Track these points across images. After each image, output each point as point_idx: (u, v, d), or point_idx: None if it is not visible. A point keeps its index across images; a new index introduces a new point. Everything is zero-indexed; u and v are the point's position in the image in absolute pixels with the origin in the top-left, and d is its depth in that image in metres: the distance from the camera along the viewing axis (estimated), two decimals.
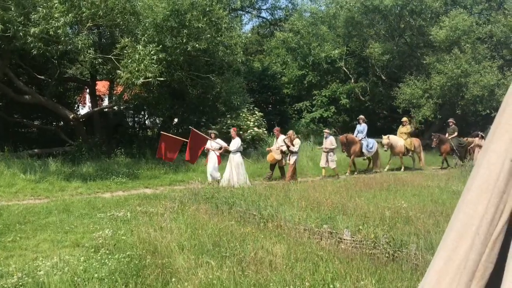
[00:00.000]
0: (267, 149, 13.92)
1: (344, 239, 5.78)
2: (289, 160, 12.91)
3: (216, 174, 12.02)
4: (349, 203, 8.06)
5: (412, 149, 16.18)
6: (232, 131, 12.58)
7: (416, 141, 16.53)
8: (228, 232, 6.14)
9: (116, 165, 14.46)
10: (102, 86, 23.11)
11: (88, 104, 24.21)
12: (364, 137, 15.30)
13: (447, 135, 16.71)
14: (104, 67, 14.93)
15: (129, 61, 12.98)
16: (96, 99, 20.27)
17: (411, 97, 21.04)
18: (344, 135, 15.24)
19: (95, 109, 18.37)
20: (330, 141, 13.87)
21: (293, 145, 12.83)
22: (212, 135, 12.43)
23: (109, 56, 13.66)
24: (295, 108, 26.07)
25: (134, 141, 18.67)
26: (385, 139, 15.76)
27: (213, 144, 12.30)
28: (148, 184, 12.31)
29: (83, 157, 15.28)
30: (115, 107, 19.65)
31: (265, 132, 19.01)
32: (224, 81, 17.56)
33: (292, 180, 12.34)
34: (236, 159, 12.02)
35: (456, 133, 16.67)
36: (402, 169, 15.73)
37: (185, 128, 19.17)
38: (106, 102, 23.03)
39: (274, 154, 13.12)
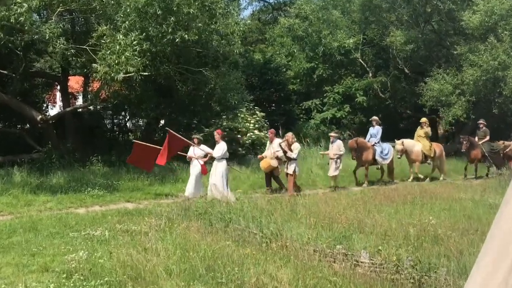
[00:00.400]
0: (259, 156, 13.81)
1: (362, 262, 5.76)
2: (287, 168, 12.70)
3: (196, 190, 11.87)
4: (367, 219, 8.04)
5: (432, 155, 16.01)
6: (216, 134, 12.45)
7: (437, 146, 16.46)
8: (225, 254, 6.13)
9: (92, 175, 14.46)
10: (75, 82, 23.15)
11: (59, 103, 24.26)
12: (378, 142, 15.28)
13: (476, 139, 16.70)
14: (78, 59, 14.98)
15: (107, 52, 13.01)
16: (68, 97, 20.32)
17: (439, 93, 21.07)
18: (354, 139, 15.27)
19: (67, 109, 18.41)
20: (337, 146, 13.89)
21: (291, 150, 12.61)
22: (195, 141, 12.37)
23: (84, 47, 13.71)
24: (303, 107, 26.11)
25: (113, 146, 18.69)
26: (398, 144, 15.71)
27: (197, 151, 12.25)
28: (130, 198, 12.30)
29: (53, 166, 15.29)
30: (91, 107, 19.69)
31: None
32: (219, 75, 17.60)
33: (296, 192, 12.28)
34: (219, 167, 11.92)
35: (487, 137, 16.65)
36: (425, 178, 15.68)
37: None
38: (80, 101, 23.08)
39: (269, 160, 13.00)
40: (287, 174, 12.72)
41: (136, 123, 22.42)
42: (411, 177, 15.85)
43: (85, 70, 17.28)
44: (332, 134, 14.34)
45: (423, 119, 16.84)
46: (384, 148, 15.29)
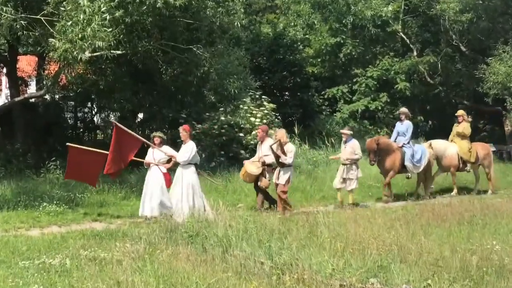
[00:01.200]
0: (245, 162, 13.33)
1: None
2: (278, 178, 12.41)
3: (162, 205, 11.64)
4: (410, 244, 8.00)
5: (472, 160, 15.82)
6: (183, 131, 12.13)
7: (481, 148, 16.31)
8: None
9: (49, 185, 14.50)
10: (26, 64, 23.30)
11: (5, 91, 24.41)
12: (409, 143, 15.04)
13: None
14: (30, 33, 15.02)
15: (69, 23, 13.03)
16: (17, 84, 20.43)
17: (506, 79, 21.01)
18: (374, 138, 15.09)
19: (16, 99, 18.48)
20: (351, 148, 13.50)
21: (284, 153, 12.28)
22: (156, 140, 12.19)
23: (38, 17, 13.74)
24: (326, 97, 26.10)
25: None
26: (425, 147, 15.62)
27: (157, 155, 12.05)
28: (98, 216, 12.31)
29: None
30: (47, 96, 19.78)
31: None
32: (215, 55, 17.60)
33: (287, 211, 12.02)
34: (187, 176, 11.71)
35: None
36: (454, 192, 15.57)
37: (154, 129, 19.26)
38: (33, 89, 23.19)
39: (248, 165, 12.71)
40: (277, 184, 12.42)
41: (106, 117, 22.52)
42: (455, 190, 15.66)
43: (39, 48, 17.32)
44: (345, 131, 13.96)
45: (460, 112, 16.56)
46: (416, 151, 14.97)
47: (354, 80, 25.39)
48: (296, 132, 20.73)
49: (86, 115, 22.97)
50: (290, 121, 24.47)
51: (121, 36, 14.13)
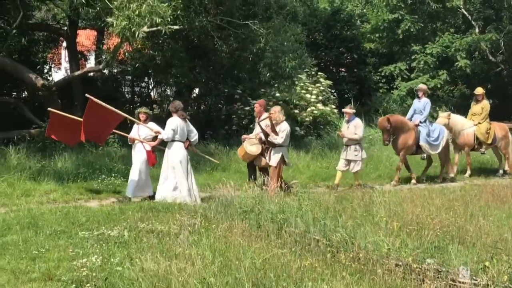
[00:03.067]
0: (243, 137, 12.56)
1: (460, 282, 5.69)
2: (269, 158, 11.81)
3: (140, 188, 11.48)
4: (468, 226, 7.90)
5: (489, 141, 15.22)
6: (172, 107, 11.62)
7: (500, 129, 15.65)
8: (278, 265, 6.17)
9: (107, 158, 14.79)
10: (85, 38, 23.73)
11: (65, 65, 24.93)
12: (425, 121, 14.37)
13: None
14: (90, 9, 15.26)
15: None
16: (77, 58, 20.83)
17: None
18: (386, 116, 14.20)
19: (76, 73, 18.86)
20: (354, 127, 12.94)
21: (276, 132, 11.71)
22: (142, 117, 11.80)
23: None
24: (383, 74, 25.76)
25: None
26: (442, 117, 15.07)
27: (142, 132, 11.70)
28: (155, 188, 12.52)
29: (58, 146, 15.68)
30: (105, 71, 20.10)
31: (335, 111, 18.96)
32: (272, 31, 17.48)
33: (280, 191, 10.75)
34: (172, 155, 11.22)
35: None
36: (468, 173, 15.32)
37: (210, 105, 19.41)
38: (92, 63, 23.62)
39: (247, 145, 11.99)
40: (269, 166, 11.83)
41: (163, 92, 22.76)
42: (468, 171, 15.36)
43: (98, 23, 17.59)
44: (347, 109, 13.29)
45: (478, 90, 15.88)
46: (433, 130, 14.33)
47: (413, 57, 24.95)
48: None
49: (142, 89, 23.27)
50: (346, 98, 24.29)
51: (179, 11, 14.21)
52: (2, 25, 18.18)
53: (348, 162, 13.02)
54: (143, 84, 23.08)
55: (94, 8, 14.77)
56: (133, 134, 11.86)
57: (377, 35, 26.16)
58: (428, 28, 25.59)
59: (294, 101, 18.11)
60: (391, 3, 25.33)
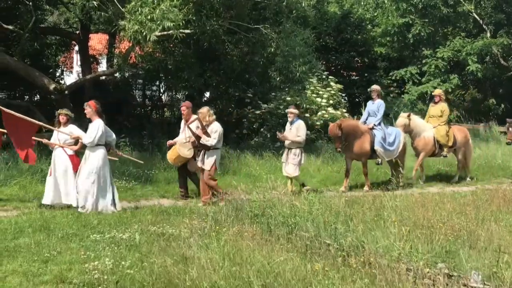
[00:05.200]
0: (168, 142, 12.34)
1: (472, 287, 5.66)
2: (203, 162, 11.38)
3: (60, 197, 10.75)
4: (480, 230, 7.86)
5: (449, 144, 14.55)
6: (88, 107, 10.73)
7: (459, 132, 15.08)
8: (287, 269, 6.16)
9: (119, 162, 14.79)
10: (98, 42, 23.85)
11: (77, 69, 25.07)
12: (380, 124, 13.58)
13: None
14: (102, 13, 15.36)
15: (139, 3, 13.27)
16: (89, 61, 20.96)
17: None
18: (336, 122, 13.35)
19: (88, 76, 18.98)
20: (296, 129, 12.27)
21: (208, 134, 11.29)
22: (62, 119, 11.05)
23: None
24: (394, 78, 25.71)
25: (145, 126, 19.11)
26: (402, 117, 14.32)
27: (62, 135, 10.94)
28: (166, 192, 12.58)
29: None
30: (117, 74, 20.18)
31: (346, 115, 18.91)
32: (283, 35, 17.47)
33: (214, 198, 11.20)
34: (94, 159, 10.47)
35: None
36: (422, 180, 14.60)
37: (220, 108, 19.43)
38: (103, 67, 23.74)
39: (180, 148, 11.64)
40: (202, 170, 11.43)
41: (174, 96, 22.82)
42: (414, 174, 14.35)
43: (110, 27, 17.71)
44: (291, 109, 12.53)
45: (437, 91, 15.52)
46: (389, 134, 13.56)
47: (424, 61, 24.91)
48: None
49: (154, 93, 23.36)
50: (357, 102, 24.26)
51: (190, 15, 14.26)
52: (15, 29, 18.32)
53: (287, 165, 12.39)
54: (154, 88, 23.16)
55: (106, 12, 14.86)
56: (53, 138, 11.13)
57: (388, 39, 26.15)
58: (439, 32, 25.52)
59: (305, 105, 18.08)
60: (401, 8, 25.29)
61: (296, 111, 12.57)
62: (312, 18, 22.03)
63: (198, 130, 11.32)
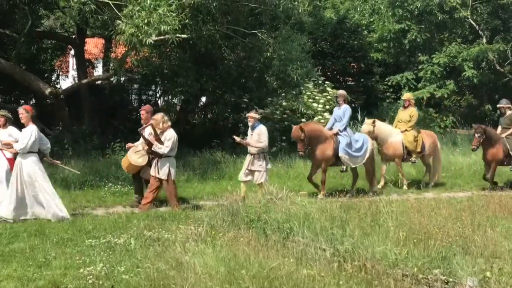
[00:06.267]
0: (128, 145, 11.92)
1: None
2: (158, 172, 11.03)
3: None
4: (476, 236, 7.85)
5: (418, 150, 14.39)
6: (23, 112, 10.13)
7: (428, 137, 14.85)
8: (283, 274, 6.15)
9: (114, 166, 14.82)
10: (93, 46, 23.85)
11: (73, 73, 25.08)
12: (345, 129, 13.19)
13: (499, 129, 14.71)
14: (98, 17, 15.35)
15: (136, 8, 13.28)
16: (85, 65, 20.96)
17: None
18: (299, 125, 13.00)
19: (83, 80, 18.97)
20: (257, 135, 11.82)
21: (160, 141, 11.03)
22: (0, 120, 10.62)
23: (106, 1, 14.02)
24: (390, 83, 25.70)
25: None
26: (367, 123, 14.12)
27: (1, 137, 10.49)
28: (161, 197, 12.55)
29: (65, 153, 15.80)
30: (113, 79, 20.20)
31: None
32: (279, 41, 17.47)
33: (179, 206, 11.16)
34: (27, 167, 9.95)
35: None
36: (405, 186, 14.31)
37: (217, 113, 19.46)
38: (99, 71, 23.74)
39: (131, 155, 11.35)
40: (159, 180, 11.10)
41: (170, 100, 22.84)
42: (405, 181, 14.35)
43: (106, 31, 17.70)
44: (252, 114, 12.03)
45: (406, 95, 15.35)
46: (356, 140, 13.16)
47: (420, 67, 24.90)
48: (359, 118, 20.54)
49: (150, 97, 23.38)
50: (353, 107, 24.22)
51: (186, 20, 14.27)
52: (11, 33, 18.32)
53: (251, 172, 11.83)
54: (150, 92, 23.20)
55: (103, 16, 14.85)
56: None
57: (384, 44, 26.17)
58: (435, 38, 25.55)
59: (302, 110, 18.10)
60: (397, 14, 25.32)
61: (256, 115, 12.09)
62: (308, 23, 22.09)
63: (150, 136, 11.04)
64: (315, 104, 18.53)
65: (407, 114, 14.61)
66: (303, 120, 17.91)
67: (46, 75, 21.12)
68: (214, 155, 16.36)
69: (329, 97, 19.09)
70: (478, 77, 24.11)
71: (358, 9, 27.21)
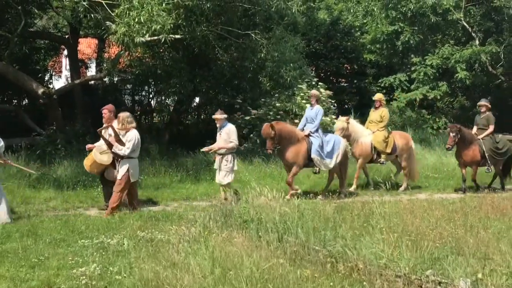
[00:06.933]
0: (88, 146, 11.48)
1: None
2: (118, 171, 10.80)
3: None
4: (468, 237, 7.89)
5: (388, 151, 14.15)
6: None
7: (400, 138, 14.58)
8: (277, 275, 6.17)
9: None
10: (87, 46, 23.79)
11: (66, 73, 25.01)
12: (317, 131, 12.93)
13: (474, 129, 14.60)
14: (92, 16, 15.31)
15: (128, 7, 13.25)
16: (78, 65, 20.91)
17: None
18: (270, 123, 12.52)
19: (76, 81, 18.92)
20: (226, 134, 11.50)
21: (122, 142, 10.74)
22: None
23: (99, 0, 14.00)
24: (383, 85, 25.78)
25: None
26: (340, 121, 13.99)
27: None
28: (155, 197, 12.56)
29: (58, 154, 15.76)
30: (106, 79, 20.16)
31: (336, 120, 18.92)
32: (273, 41, 17.50)
33: (132, 207, 10.94)
34: None
35: (491, 128, 14.33)
36: (353, 187, 13.98)
37: (210, 113, 19.42)
38: (92, 71, 23.69)
39: (96, 154, 10.95)
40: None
41: (163, 101, 22.81)
42: (354, 184, 14.05)
43: (99, 31, 17.65)
44: (217, 115, 11.68)
45: (377, 96, 15.08)
46: (328, 141, 12.85)
47: (412, 68, 25.00)
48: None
49: (143, 98, 23.33)
50: (346, 108, 24.32)
51: (180, 20, 14.26)
52: (4, 33, 18.26)
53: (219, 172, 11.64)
54: (144, 93, 23.14)
55: (96, 15, 14.81)
56: None
57: (377, 46, 26.23)
58: (428, 40, 25.63)
59: (295, 111, 18.09)
60: (391, 15, 25.38)
61: (221, 116, 11.66)
62: (302, 24, 22.14)
63: (110, 137, 10.82)
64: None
65: (378, 114, 14.46)
66: (296, 121, 17.93)
67: (39, 75, 21.07)
68: (208, 156, 16.29)
69: (322, 98, 19.08)
70: (470, 78, 24.23)
71: (352, 10, 27.32)
